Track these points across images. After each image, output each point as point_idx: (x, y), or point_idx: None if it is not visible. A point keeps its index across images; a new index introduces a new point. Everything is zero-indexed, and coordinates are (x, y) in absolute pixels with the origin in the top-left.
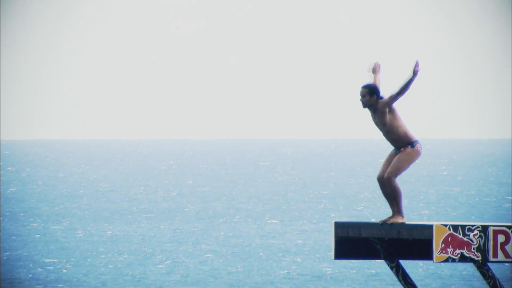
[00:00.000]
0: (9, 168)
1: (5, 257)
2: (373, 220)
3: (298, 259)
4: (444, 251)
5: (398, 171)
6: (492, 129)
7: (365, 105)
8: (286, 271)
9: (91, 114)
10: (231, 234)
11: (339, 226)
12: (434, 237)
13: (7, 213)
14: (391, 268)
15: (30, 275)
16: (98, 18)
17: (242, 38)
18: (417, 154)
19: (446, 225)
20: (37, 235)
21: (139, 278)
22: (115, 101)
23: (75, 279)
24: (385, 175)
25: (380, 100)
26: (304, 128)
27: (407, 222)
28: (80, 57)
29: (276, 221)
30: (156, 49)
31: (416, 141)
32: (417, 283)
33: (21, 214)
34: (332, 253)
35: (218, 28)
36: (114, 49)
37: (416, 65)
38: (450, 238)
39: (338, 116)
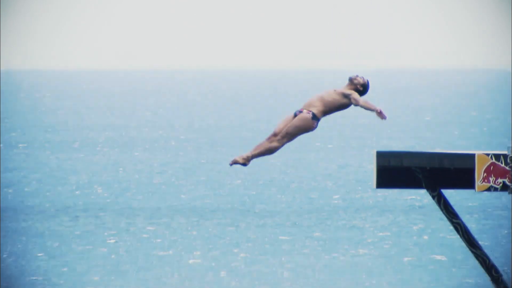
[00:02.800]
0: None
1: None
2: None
3: (339, 188)
4: (486, 180)
5: (288, 136)
6: (492, 58)
7: (357, 90)
8: (326, 201)
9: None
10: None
11: (381, 155)
12: (476, 166)
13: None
14: (433, 197)
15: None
16: None
17: None
18: (310, 124)
19: (488, 154)
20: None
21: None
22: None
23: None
24: (279, 137)
25: (353, 91)
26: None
27: (449, 152)
28: None
29: (315, 150)
30: None
31: (318, 118)
32: (458, 212)
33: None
34: (374, 182)
35: None
36: None
37: (382, 115)
38: (492, 167)
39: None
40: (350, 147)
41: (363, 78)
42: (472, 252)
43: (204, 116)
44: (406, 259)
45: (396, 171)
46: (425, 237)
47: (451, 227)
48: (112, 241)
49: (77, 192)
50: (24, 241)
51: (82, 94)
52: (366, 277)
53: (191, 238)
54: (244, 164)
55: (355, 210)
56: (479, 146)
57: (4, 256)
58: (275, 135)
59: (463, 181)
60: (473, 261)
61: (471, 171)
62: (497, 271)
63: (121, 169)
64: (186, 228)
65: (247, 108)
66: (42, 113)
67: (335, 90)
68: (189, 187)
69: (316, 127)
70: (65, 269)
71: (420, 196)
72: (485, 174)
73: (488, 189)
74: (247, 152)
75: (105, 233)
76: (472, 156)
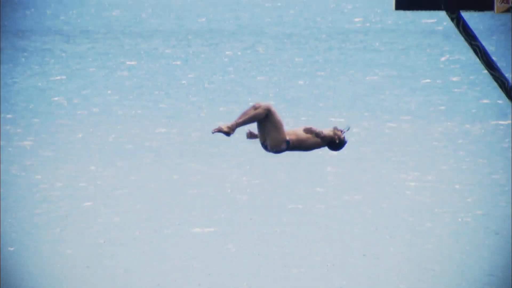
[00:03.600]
0: None
1: None
2: None
3: (359, 11)
4: (505, 1)
5: (270, 113)
6: None
7: (332, 140)
8: (347, 24)
9: None
10: None
11: None
12: None
13: None
14: (452, 19)
15: None
16: None
17: None
18: (282, 141)
19: None
20: None
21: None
22: None
23: None
24: (265, 106)
25: (323, 132)
26: None
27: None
28: None
29: None
30: None
31: (289, 145)
32: (477, 35)
33: None
34: (393, 3)
35: None
36: None
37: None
38: None
39: None
40: None
41: (345, 138)
42: (491, 74)
43: None
44: (423, 81)
45: None
46: (443, 58)
47: (470, 50)
48: (133, 63)
49: (96, 15)
50: (46, 61)
51: None
52: (383, 98)
53: (208, 61)
54: (228, 134)
55: (375, 33)
56: None
57: (28, 73)
58: (257, 107)
59: (482, 3)
60: (491, 83)
61: None
62: None
63: None
64: (205, 51)
65: None
66: None
67: (311, 128)
68: (208, 8)
69: (283, 149)
70: (85, 91)
71: (439, 19)
72: None
73: (507, 11)
74: (232, 121)
75: (123, 59)
76: None
